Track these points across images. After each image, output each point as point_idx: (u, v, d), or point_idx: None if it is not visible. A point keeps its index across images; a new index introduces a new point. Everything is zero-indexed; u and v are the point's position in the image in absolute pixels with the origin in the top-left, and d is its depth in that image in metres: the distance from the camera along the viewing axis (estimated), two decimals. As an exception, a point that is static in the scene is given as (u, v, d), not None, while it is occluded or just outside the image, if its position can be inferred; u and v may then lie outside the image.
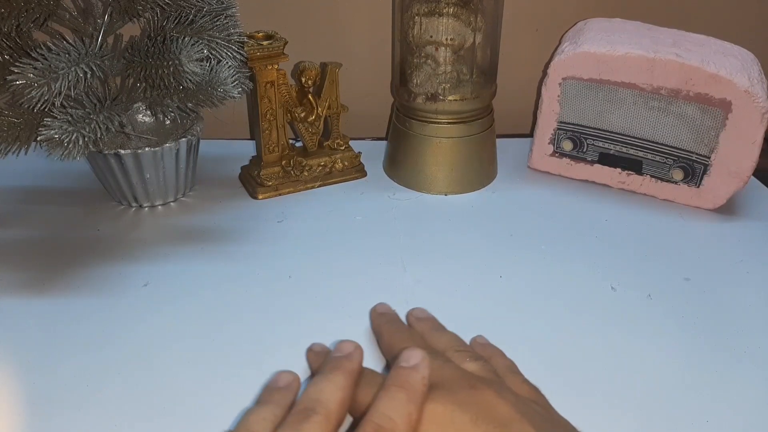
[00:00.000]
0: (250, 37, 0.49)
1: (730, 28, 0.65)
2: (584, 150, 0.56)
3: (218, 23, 0.44)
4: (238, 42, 0.45)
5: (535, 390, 0.33)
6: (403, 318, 0.40)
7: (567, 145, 0.56)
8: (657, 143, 0.53)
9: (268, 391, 0.32)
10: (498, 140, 0.58)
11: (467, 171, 0.55)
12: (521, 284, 0.44)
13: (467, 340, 0.38)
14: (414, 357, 0.31)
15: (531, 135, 0.59)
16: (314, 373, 0.35)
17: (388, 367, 0.36)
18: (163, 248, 0.47)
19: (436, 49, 0.52)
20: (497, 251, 0.47)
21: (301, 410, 0.29)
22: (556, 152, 0.57)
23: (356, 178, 0.57)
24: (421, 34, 0.52)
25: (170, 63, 0.42)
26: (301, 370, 0.36)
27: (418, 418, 0.29)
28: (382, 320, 0.39)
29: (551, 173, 0.58)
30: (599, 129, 0.54)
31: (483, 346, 0.38)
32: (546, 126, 0.56)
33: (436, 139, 0.54)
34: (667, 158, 0.53)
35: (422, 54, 0.53)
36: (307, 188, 0.55)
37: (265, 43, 0.49)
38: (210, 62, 0.44)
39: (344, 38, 0.65)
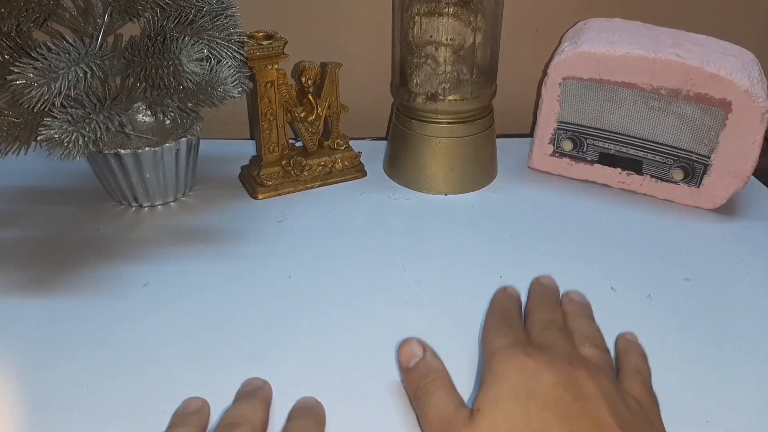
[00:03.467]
0: (250, 37, 0.49)
1: (730, 28, 0.65)
2: (584, 150, 0.56)
3: (218, 23, 0.44)
4: (238, 42, 0.45)
5: (649, 395, 0.32)
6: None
7: (567, 145, 0.56)
8: (657, 143, 0.53)
9: (181, 416, 0.32)
10: (498, 140, 0.58)
11: (467, 171, 0.55)
12: (521, 284, 0.43)
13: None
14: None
15: (531, 135, 0.59)
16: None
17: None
18: (163, 248, 0.47)
19: (436, 49, 0.52)
20: (497, 251, 0.47)
21: (226, 425, 0.30)
22: (556, 152, 0.57)
23: (356, 178, 0.57)
24: (421, 34, 0.52)
25: (170, 63, 0.42)
26: (300, 370, 0.36)
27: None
28: (537, 287, 0.40)
29: (551, 173, 0.58)
30: (599, 129, 0.54)
31: (626, 341, 0.37)
32: (546, 126, 0.56)
33: (436, 139, 0.54)
34: (667, 158, 0.53)
35: (422, 54, 0.53)
36: (307, 188, 0.55)
37: (265, 43, 0.49)
38: (210, 62, 0.44)
39: (344, 38, 0.65)
